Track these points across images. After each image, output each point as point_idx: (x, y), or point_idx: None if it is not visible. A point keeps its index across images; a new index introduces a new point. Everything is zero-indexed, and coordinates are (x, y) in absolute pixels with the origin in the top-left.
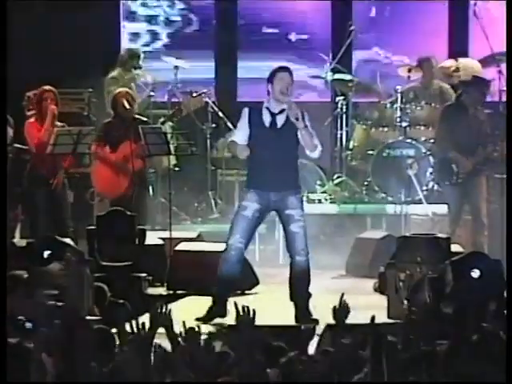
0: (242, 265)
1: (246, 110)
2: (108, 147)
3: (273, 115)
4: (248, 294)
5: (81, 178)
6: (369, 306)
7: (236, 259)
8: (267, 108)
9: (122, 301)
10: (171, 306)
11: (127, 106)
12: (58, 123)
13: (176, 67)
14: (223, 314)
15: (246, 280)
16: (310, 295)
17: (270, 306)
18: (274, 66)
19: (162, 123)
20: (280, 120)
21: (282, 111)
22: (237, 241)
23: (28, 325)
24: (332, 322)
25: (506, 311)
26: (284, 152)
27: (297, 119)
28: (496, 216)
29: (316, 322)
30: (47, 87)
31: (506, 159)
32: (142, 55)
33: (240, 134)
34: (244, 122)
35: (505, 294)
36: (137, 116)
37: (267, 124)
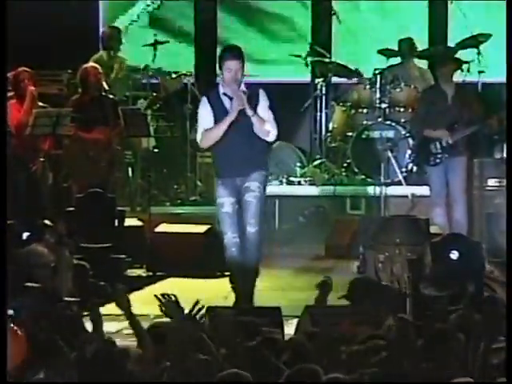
0: (251, 253)
1: (204, 99)
2: (81, 128)
3: (231, 99)
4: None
5: (60, 160)
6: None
7: (238, 253)
8: (224, 94)
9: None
10: (150, 287)
11: (93, 81)
12: (40, 103)
13: (155, 45)
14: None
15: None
16: (256, 275)
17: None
18: (225, 45)
19: (145, 108)
20: None
21: None
22: (231, 237)
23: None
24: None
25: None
26: (248, 135)
27: (251, 108)
28: (476, 198)
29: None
30: (23, 68)
31: (507, 156)
32: (122, 34)
33: (207, 121)
34: (206, 109)
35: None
36: (104, 94)
37: (228, 109)
